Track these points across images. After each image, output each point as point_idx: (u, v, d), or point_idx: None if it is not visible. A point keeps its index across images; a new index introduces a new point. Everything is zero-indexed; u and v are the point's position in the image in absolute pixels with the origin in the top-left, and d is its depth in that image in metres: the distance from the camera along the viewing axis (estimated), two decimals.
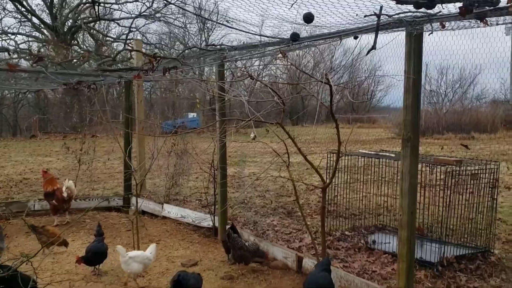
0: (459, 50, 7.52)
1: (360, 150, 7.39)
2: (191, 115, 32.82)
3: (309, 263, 5.95)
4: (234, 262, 6.38)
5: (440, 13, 3.91)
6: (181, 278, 4.45)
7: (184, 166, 9.87)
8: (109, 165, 15.28)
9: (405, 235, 4.60)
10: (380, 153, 6.69)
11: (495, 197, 6.24)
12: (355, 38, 4.69)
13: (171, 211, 8.77)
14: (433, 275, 5.60)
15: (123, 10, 35.05)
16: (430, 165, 6.09)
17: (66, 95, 33.38)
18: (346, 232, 7.41)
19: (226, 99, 7.13)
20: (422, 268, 5.73)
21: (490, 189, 6.12)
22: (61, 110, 35.38)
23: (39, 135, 29.98)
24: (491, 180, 6.20)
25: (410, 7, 3.71)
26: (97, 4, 24.61)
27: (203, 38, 38.66)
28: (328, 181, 5.50)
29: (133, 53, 17.32)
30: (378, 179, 7.38)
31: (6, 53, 28.05)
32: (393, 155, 6.56)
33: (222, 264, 6.36)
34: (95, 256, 5.74)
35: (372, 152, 6.87)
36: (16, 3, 29.59)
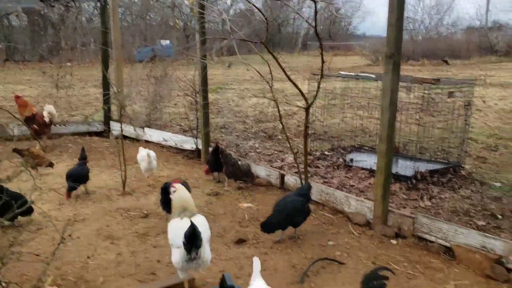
0: None
1: (341, 72, 7.48)
2: (165, 42, 31.95)
3: (291, 179, 6.21)
4: (219, 180, 6.61)
5: None
6: (168, 185, 4.63)
7: (164, 91, 9.80)
8: (84, 92, 15.01)
9: (383, 149, 4.83)
10: (361, 74, 6.80)
11: (469, 114, 6.51)
12: None
13: (153, 135, 8.85)
14: (407, 188, 5.95)
15: None
16: (410, 82, 6.25)
17: (30, 22, 31.85)
18: (326, 152, 7.69)
19: (206, 19, 7.01)
20: (397, 182, 6.06)
21: (464, 107, 6.37)
22: (27, 37, 33.90)
23: (7, 64, 28.87)
24: (466, 100, 6.45)
25: None
26: None
27: None
28: (311, 100, 5.61)
29: None
30: (356, 103, 7.57)
31: None
32: (373, 75, 6.68)
33: (207, 182, 6.58)
34: (76, 179, 5.72)
35: (352, 74, 6.97)
36: None
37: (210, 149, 7.05)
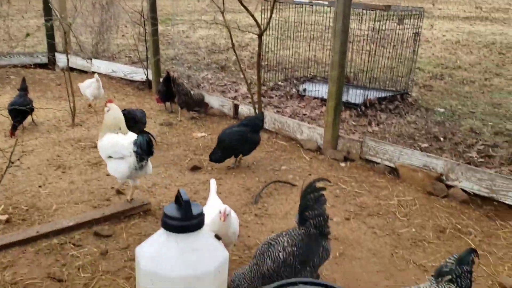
0: None
1: None
2: None
3: (245, 109, 6.23)
4: (171, 111, 6.54)
5: None
6: (126, 112, 4.59)
7: (111, 20, 9.33)
8: (24, 23, 14.04)
9: (335, 75, 4.91)
10: (314, 1, 6.72)
11: (417, 45, 6.65)
12: None
13: (101, 66, 8.52)
14: (357, 115, 6.14)
15: None
16: (361, 9, 6.25)
17: None
18: (279, 83, 7.71)
19: None
20: (347, 109, 6.22)
21: (413, 34, 6.49)
22: None
23: None
24: (415, 30, 6.56)
25: None
26: None
27: None
28: (264, 27, 5.53)
29: None
30: (309, 34, 7.52)
31: None
32: (326, 2, 6.62)
33: (160, 113, 6.50)
34: (19, 111, 5.33)
35: (306, 0, 6.86)
36: None
37: (161, 80, 6.90)
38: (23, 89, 5.73)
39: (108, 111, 3.75)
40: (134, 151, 3.51)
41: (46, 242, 3.23)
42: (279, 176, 4.59)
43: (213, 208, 2.92)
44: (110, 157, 3.64)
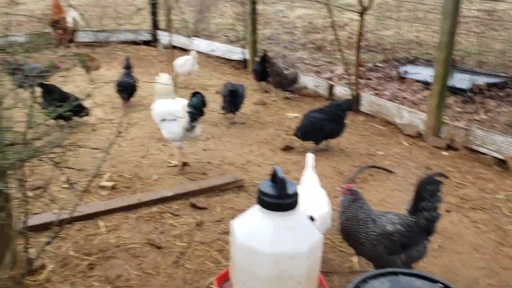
0: None
1: None
2: None
3: (340, 90, 6.08)
4: (266, 90, 6.57)
5: None
6: (233, 88, 5.14)
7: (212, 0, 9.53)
8: (130, 1, 14.85)
9: (442, 57, 4.60)
10: None
11: None
12: None
13: (201, 44, 8.76)
14: (463, 101, 5.71)
15: None
16: None
17: None
18: (378, 64, 7.40)
19: None
20: (452, 94, 5.81)
21: None
22: None
23: None
24: None
25: None
26: None
27: None
28: (366, 4, 5.30)
29: None
30: (412, 15, 7.11)
31: None
32: None
33: (254, 92, 6.56)
34: (124, 89, 5.73)
35: None
36: None
37: (257, 59, 6.94)
38: (127, 67, 6.05)
39: (159, 77, 4.14)
40: (187, 112, 3.78)
41: (147, 210, 3.42)
42: (374, 161, 4.43)
43: (309, 187, 2.89)
44: (163, 120, 3.94)
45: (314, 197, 2.79)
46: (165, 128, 3.96)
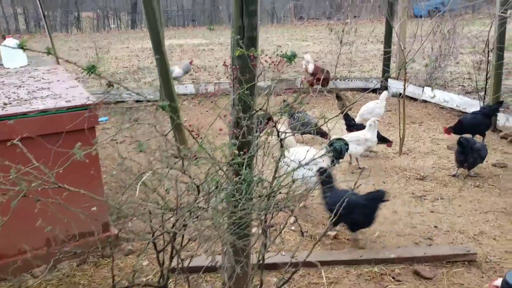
0: None
1: None
2: None
3: None
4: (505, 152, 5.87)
5: None
6: (462, 139, 4.92)
7: (450, 48, 9.06)
8: (363, 48, 15.28)
9: None
10: None
11: None
12: None
13: (433, 95, 8.39)
14: None
15: None
16: None
17: None
18: None
19: None
20: None
21: None
22: None
23: (294, 21, 31.75)
24: None
25: None
26: None
27: None
28: None
29: None
30: None
31: None
32: None
33: (493, 151, 5.90)
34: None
35: None
36: None
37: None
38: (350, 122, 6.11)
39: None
40: (330, 156, 4.11)
41: (368, 268, 3.36)
42: None
43: None
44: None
45: None
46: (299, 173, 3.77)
